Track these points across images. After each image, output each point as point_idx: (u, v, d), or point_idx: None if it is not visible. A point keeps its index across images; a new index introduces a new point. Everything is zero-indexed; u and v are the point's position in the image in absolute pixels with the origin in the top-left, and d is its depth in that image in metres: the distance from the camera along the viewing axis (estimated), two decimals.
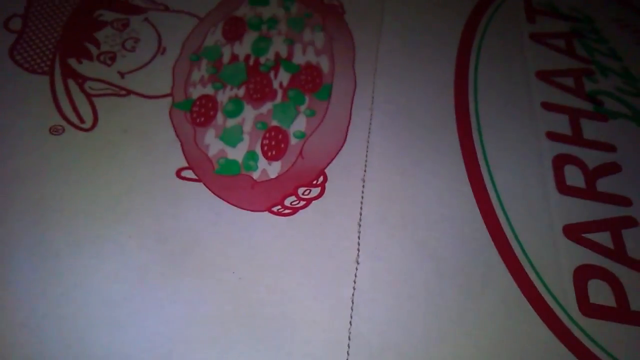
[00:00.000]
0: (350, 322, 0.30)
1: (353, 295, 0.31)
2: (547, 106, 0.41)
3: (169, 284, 0.31)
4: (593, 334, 0.31)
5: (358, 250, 0.32)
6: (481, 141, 0.39)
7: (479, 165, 0.37)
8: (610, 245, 0.34)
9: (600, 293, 0.32)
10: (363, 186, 0.35)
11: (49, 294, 0.30)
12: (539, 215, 0.36)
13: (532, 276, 0.33)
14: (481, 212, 0.35)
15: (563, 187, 0.37)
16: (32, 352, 0.28)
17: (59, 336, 0.29)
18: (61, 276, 0.30)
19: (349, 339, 0.29)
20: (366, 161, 0.36)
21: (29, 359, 0.28)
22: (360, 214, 0.34)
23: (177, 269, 0.31)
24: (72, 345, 0.29)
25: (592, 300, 0.32)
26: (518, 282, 0.33)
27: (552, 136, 0.40)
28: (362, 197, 0.34)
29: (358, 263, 0.32)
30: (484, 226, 0.35)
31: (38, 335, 0.29)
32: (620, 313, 0.32)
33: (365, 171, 0.36)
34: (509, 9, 0.47)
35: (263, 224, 0.34)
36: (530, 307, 0.32)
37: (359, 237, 0.33)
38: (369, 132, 0.38)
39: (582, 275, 0.33)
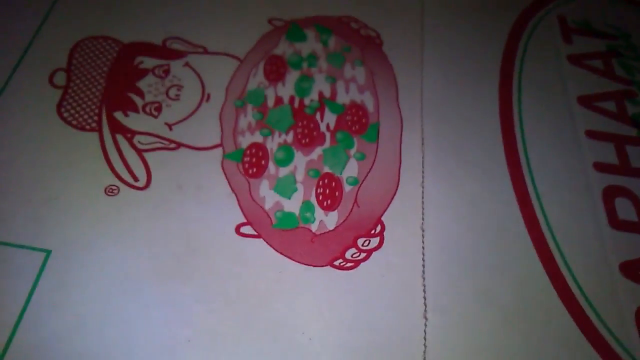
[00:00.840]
0: None
1: (424, 352, 0.31)
2: (591, 134, 0.41)
3: (241, 347, 0.32)
4: None
5: (425, 305, 0.33)
6: (531, 177, 0.39)
7: (531, 203, 0.37)
8: None
9: None
10: (423, 235, 0.35)
11: None
12: (594, 253, 0.36)
13: (593, 318, 0.34)
14: (538, 253, 0.36)
15: (615, 222, 0.37)
16: None
17: None
18: (131, 345, 0.31)
19: None
20: (423, 208, 0.36)
21: None
22: (423, 265, 0.34)
23: (247, 332, 0.32)
24: None
25: None
26: (580, 325, 0.33)
27: (600, 167, 0.40)
28: (423, 247, 0.35)
29: (426, 319, 0.32)
30: (542, 268, 0.35)
31: None
32: None
33: (423, 220, 0.36)
34: (545, 29, 0.47)
35: (326, 280, 0.34)
36: (594, 351, 0.32)
37: (424, 292, 0.33)
38: (423, 175, 0.38)
39: None
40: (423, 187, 0.37)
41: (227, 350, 0.31)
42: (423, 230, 0.35)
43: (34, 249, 0.34)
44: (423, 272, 0.34)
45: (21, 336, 0.31)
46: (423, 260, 0.34)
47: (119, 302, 0.32)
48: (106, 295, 0.32)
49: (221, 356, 0.31)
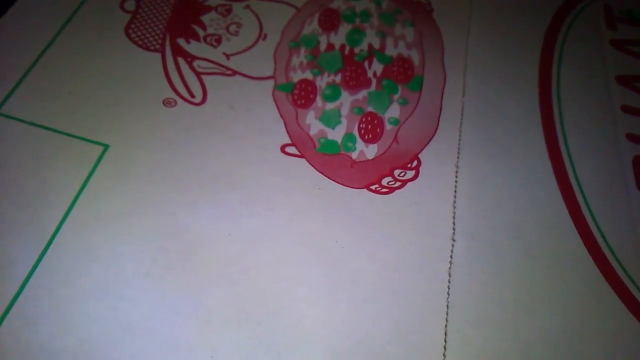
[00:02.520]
0: (448, 293, 0.32)
1: (450, 268, 0.33)
2: (627, 109, 0.43)
3: (278, 247, 0.34)
4: None
5: (453, 229, 0.34)
6: (564, 138, 0.41)
7: (563, 161, 0.39)
8: None
9: None
10: (457, 171, 0.37)
11: (168, 248, 0.33)
12: (620, 210, 0.38)
13: (615, 266, 0.35)
14: (565, 203, 0.37)
15: None
16: (155, 299, 0.31)
17: (178, 286, 0.32)
18: (178, 234, 0.33)
19: (447, 307, 0.32)
20: (459, 149, 0.38)
21: (152, 304, 0.31)
22: (455, 196, 0.36)
23: (284, 236, 0.34)
24: (190, 295, 0.31)
25: None
26: (602, 270, 0.35)
27: (632, 138, 0.41)
28: (456, 181, 0.37)
29: (454, 240, 0.34)
30: (569, 217, 0.37)
31: (160, 285, 0.31)
32: None
33: (458, 158, 0.38)
34: (589, 15, 0.49)
35: (362, 200, 0.36)
36: (615, 295, 0.34)
37: (454, 217, 0.35)
38: (461, 122, 0.40)
39: None
40: (460, 132, 0.39)
41: (263, 246, 0.34)
42: (457, 168, 0.37)
43: (93, 141, 0.36)
44: (454, 202, 0.36)
45: (76, 214, 0.34)
46: (455, 192, 0.36)
47: (169, 196, 0.35)
48: (157, 189, 0.35)
49: (256, 250, 0.33)
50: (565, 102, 0.42)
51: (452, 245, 0.34)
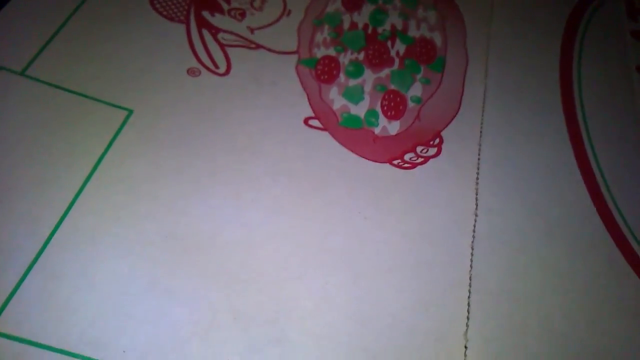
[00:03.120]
0: (471, 265, 0.32)
1: (473, 242, 0.33)
2: None
3: (301, 215, 0.34)
4: None
5: (476, 204, 0.34)
6: (585, 123, 0.41)
7: (583, 144, 0.39)
8: None
9: None
10: (479, 150, 0.37)
11: (191, 212, 0.33)
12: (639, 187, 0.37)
13: (635, 245, 0.35)
14: (586, 185, 0.37)
15: None
16: (176, 260, 0.32)
17: (200, 249, 0.32)
18: (201, 199, 0.33)
19: (470, 279, 0.32)
20: (481, 128, 0.38)
21: (174, 264, 0.31)
22: (477, 173, 0.36)
23: (307, 203, 0.34)
24: (215, 258, 0.32)
25: None
26: (621, 249, 0.35)
27: None
28: (479, 159, 0.37)
29: (477, 215, 0.34)
30: (590, 199, 0.37)
31: (181, 245, 0.31)
32: None
33: (480, 136, 0.38)
34: (611, 6, 0.50)
35: (384, 174, 0.36)
36: (634, 274, 0.34)
37: (476, 194, 0.35)
38: (484, 103, 0.40)
39: None
40: (483, 112, 0.39)
41: (286, 214, 0.34)
42: (480, 146, 0.38)
43: (117, 106, 0.36)
44: (477, 178, 0.36)
45: (99, 175, 0.34)
46: (478, 169, 0.36)
47: (192, 162, 0.35)
48: (181, 155, 0.35)
49: (279, 218, 0.33)
50: (586, 90, 0.43)
51: (475, 220, 0.34)
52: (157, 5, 0.42)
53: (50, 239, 0.30)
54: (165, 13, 0.42)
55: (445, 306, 0.31)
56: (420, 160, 0.37)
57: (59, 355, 0.27)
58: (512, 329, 0.30)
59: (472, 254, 0.32)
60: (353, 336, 0.29)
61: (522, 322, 0.30)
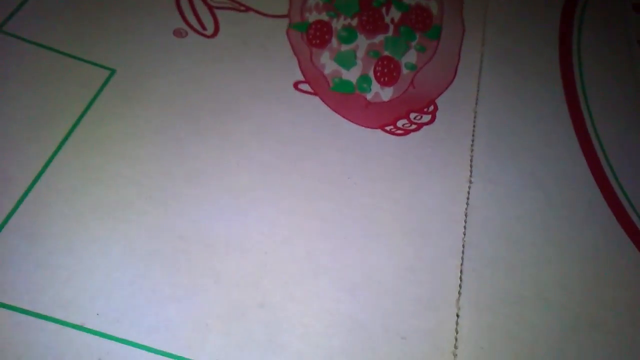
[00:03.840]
0: (464, 233, 0.31)
1: (466, 209, 0.32)
2: None
3: (289, 180, 0.32)
4: None
5: (470, 171, 0.33)
6: (584, 94, 0.39)
7: (582, 113, 0.38)
8: None
9: None
10: (475, 117, 0.36)
11: (175, 174, 0.31)
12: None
13: (633, 217, 0.34)
14: (584, 155, 0.36)
15: None
16: (157, 223, 0.30)
17: (182, 211, 0.31)
18: (184, 160, 0.32)
19: (463, 246, 0.30)
20: (477, 95, 0.37)
21: (155, 227, 0.30)
22: (473, 141, 0.35)
23: (296, 169, 0.32)
24: (198, 221, 0.30)
25: None
26: (620, 220, 0.34)
27: None
28: (474, 126, 0.35)
29: (471, 182, 0.33)
30: (588, 169, 0.36)
31: (164, 209, 0.31)
32: None
33: (476, 104, 0.36)
34: None
35: (376, 140, 0.35)
36: (632, 244, 0.32)
37: (471, 160, 0.34)
38: (480, 70, 0.38)
39: None
40: (480, 80, 0.38)
41: (273, 178, 0.33)
42: (475, 113, 0.36)
43: (100, 65, 0.35)
44: (472, 145, 0.34)
45: (78, 135, 0.33)
46: (473, 137, 0.35)
47: (176, 123, 0.34)
48: (164, 116, 0.34)
49: (266, 182, 0.32)
50: (585, 60, 0.42)
51: (469, 187, 0.33)
52: None
53: (24, 198, 0.29)
54: None
55: (437, 274, 0.29)
56: (413, 127, 0.35)
57: (29, 317, 0.25)
58: (506, 299, 0.29)
59: (465, 222, 0.31)
60: (340, 302, 0.28)
61: (517, 292, 0.29)
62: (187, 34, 0.37)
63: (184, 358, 0.26)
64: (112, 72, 0.34)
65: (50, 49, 0.35)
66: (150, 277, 0.27)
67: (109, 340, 0.26)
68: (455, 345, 0.27)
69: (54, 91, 0.33)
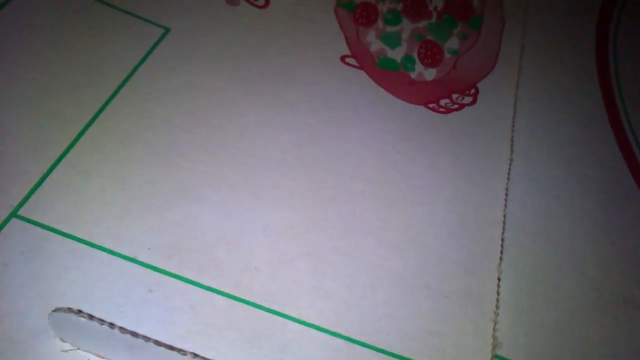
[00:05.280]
0: (506, 205, 0.31)
1: (507, 184, 0.32)
2: None
3: (334, 142, 0.33)
4: None
5: (511, 150, 0.34)
6: (619, 86, 0.40)
7: (616, 103, 0.39)
8: None
9: None
10: (515, 101, 0.37)
11: (225, 127, 0.32)
12: None
13: None
14: (619, 146, 0.37)
15: None
16: (208, 170, 0.31)
17: (233, 162, 0.32)
18: (235, 116, 0.33)
19: (504, 217, 0.31)
20: (518, 82, 0.38)
21: (205, 174, 0.31)
22: (513, 123, 0.35)
23: (340, 134, 0.33)
24: (244, 172, 0.31)
25: None
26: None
27: None
28: (515, 109, 0.36)
29: (512, 160, 0.33)
30: (623, 159, 0.36)
31: (214, 158, 0.32)
32: None
33: (517, 88, 0.37)
34: None
35: (419, 116, 0.35)
36: None
37: (512, 140, 0.34)
38: (521, 59, 0.39)
39: None
40: (520, 68, 0.39)
41: (320, 139, 0.34)
42: (516, 97, 0.37)
43: (154, 23, 0.36)
44: (513, 127, 0.35)
45: (133, 84, 0.33)
46: (514, 119, 0.36)
47: (227, 82, 0.35)
48: (215, 74, 0.35)
49: (313, 142, 0.33)
50: (622, 55, 0.42)
51: (510, 164, 0.33)
52: None
53: (80, 137, 0.29)
54: None
55: (478, 241, 0.30)
56: (455, 106, 0.36)
57: (82, 245, 0.26)
58: (545, 268, 0.29)
59: (506, 195, 0.31)
60: (384, 259, 0.28)
61: (556, 264, 0.30)
62: (239, 3, 0.38)
63: (232, 295, 0.26)
64: (167, 30, 0.35)
65: (108, 4, 0.35)
66: (201, 219, 0.28)
67: (159, 274, 0.26)
68: (497, 305, 0.27)
69: (110, 43, 0.34)
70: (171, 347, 0.21)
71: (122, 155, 0.29)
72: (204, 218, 0.28)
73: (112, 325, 0.21)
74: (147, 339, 0.21)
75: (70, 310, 0.21)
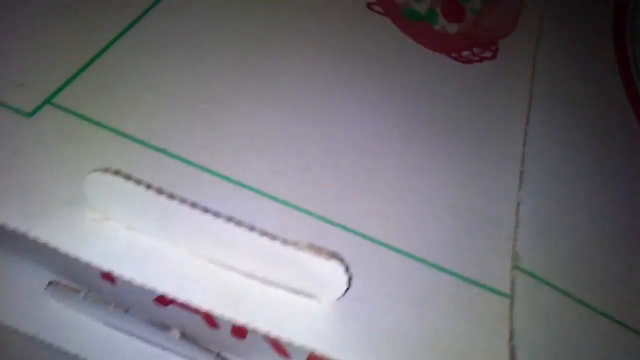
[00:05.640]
0: (524, 154, 0.32)
1: (525, 136, 0.33)
2: None
3: (356, 93, 0.34)
4: None
5: (529, 107, 0.35)
6: (635, 55, 0.41)
7: (632, 74, 0.40)
8: None
9: None
10: (535, 60, 0.38)
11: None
12: None
13: None
14: (637, 118, 0.38)
15: None
16: (242, 87, 0.32)
17: (265, 85, 0.32)
18: (254, 70, 0.33)
19: (521, 171, 0.32)
20: (537, 45, 0.39)
21: (242, 89, 0.31)
22: (532, 78, 0.36)
23: (362, 82, 0.34)
24: (258, 126, 0.31)
25: None
26: None
27: None
28: (534, 66, 0.37)
29: (530, 111, 0.34)
30: (633, 114, 0.37)
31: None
32: None
33: (537, 49, 0.38)
34: None
35: (440, 63, 0.36)
36: None
37: (531, 93, 0.35)
38: (540, 27, 0.40)
39: None
40: (539, 33, 0.40)
41: (344, 91, 0.35)
42: (535, 58, 0.38)
43: None
44: (532, 79, 0.36)
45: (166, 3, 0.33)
46: (533, 74, 0.37)
47: (247, 28, 0.36)
48: (238, 22, 0.36)
49: (339, 94, 0.34)
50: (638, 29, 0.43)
51: (529, 114, 0.34)
52: None
53: (110, 46, 0.30)
54: None
55: (492, 188, 0.30)
56: (476, 59, 0.37)
57: (114, 135, 0.26)
58: (562, 203, 0.30)
59: (524, 144, 0.32)
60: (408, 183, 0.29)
61: (572, 204, 0.31)
62: None
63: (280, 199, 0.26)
64: None
65: None
66: (230, 124, 0.30)
67: (188, 165, 0.26)
68: (517, 225, 0.28)
69: None
70: (205, 210, 0.21)
71: (157, 61, 0.30)
72: (232, 124, 0.29)
73: (149, 186, 0.21)
74: (182, 200, 0.21)
75: (107, 170, 0.21)
